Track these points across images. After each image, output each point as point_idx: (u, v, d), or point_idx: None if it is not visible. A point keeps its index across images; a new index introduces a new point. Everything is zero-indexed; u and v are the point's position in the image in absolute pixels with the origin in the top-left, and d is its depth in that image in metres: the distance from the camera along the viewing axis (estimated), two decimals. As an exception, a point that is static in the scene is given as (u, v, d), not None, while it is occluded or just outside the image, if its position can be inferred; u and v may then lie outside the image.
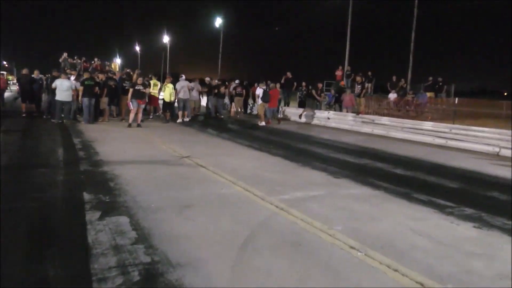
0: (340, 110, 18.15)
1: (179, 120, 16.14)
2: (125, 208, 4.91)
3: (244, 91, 19.96)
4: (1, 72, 25.16)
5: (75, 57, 24.75)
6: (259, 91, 16.80)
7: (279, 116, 19.52)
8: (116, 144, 9.96)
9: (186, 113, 16.72)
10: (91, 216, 4.56)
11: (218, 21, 45.59)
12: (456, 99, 17.81)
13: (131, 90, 13.75)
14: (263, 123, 16.47)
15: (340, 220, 4.81)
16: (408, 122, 14.28)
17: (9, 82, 28.66)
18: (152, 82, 15.98)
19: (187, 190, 5.87)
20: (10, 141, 9.77)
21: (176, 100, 16.51)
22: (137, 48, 75.01)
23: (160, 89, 17.28)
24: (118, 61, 55.72)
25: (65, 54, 23.87)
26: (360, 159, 9.36)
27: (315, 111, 18.64)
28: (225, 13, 47.47)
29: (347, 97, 17.33)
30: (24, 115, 15.33)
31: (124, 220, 4.47)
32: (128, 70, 21.53)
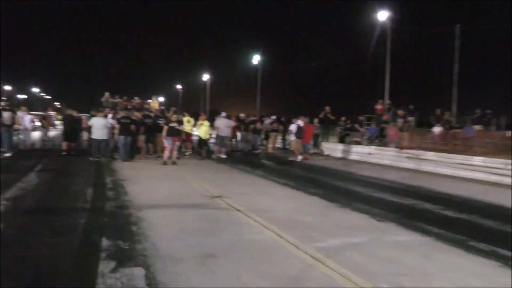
0: (384, 145, 17.34)
1: (214, 156, 16.01)
2: (143, 257, 4.45)
3: (280, 126, 19.60)
4: (50, 112, 26.47)
5: (116, 96, 25.40)
6: (292, 127, 16.38)
7: (316, 150, 18.96)
8: (147, 182, 9.68)
9: (223, 149, 16.63)
10: (105, 266, 4.12)
11: (256, 58, 46.22)
12: (511, 132, 16.63)
13: (165, 127, 13.67)
14: (300, 157, 16.02)
15: (385, 276, 4.12)
16: (457, 157, 13.27)
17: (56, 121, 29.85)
18: (185, 119, 15.89)
19: (213, 236, 5.36)
20: (43, 180, 9.72)
21: (215, 136, 16.58)
22: (179, 86, 77.27)
23: (193, 126, 17.23)
24: (160, 99, 57.50)
25: (107, 94, 24.54)
26: (406, 199, 8.57)
27: (356, 146, 17.94)
28: (263, 50, 48.08)
29: (391, 130, 16.52)
30: (64, 153, 15.57)
31: (139, 272, 4.00)
32: (162, 108, 21.78)
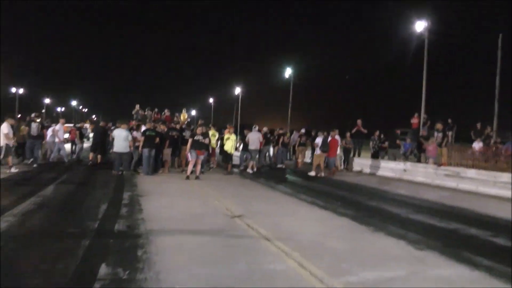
0: (420, 161, 16.28)
1: (249, 170, 15.70)
2: (142, 290, 3.87)
3: (308, 140, 18.81)
4: (83, 124, 26.99)
5: (147, 109, 25.30)
6: (318, 140, 15.65)
7: (346, 166, 18.11)
8: (166, 199, 9.15)
9: (254, 163, 16.19)
10: (95, 302, 3.56)
11: (288, 71, 45.75)
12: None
13: (190, 140, 13.20)
14: (313, 173, 15.40)
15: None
16: (501, 176, 12.13)
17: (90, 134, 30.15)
18: (210, 132, 15.40)
19: (227, 265, 4.70)
20: (58, 194, 9.36)
21: (247, 150, 16.33)
22: (211, 99, 77.69)
23: (218, 140, 16.74)
24: (192, 112, 57.56)
25: (137, 106, 24.48)
26: (447, 222, 7.65)
27: (390, 162, 16.96)
28: (296, 62, 47.59)
29: (430, 146, 15.47)
30: (90, 164, 15.40)
31: (132, 311, 3.42)
32: (188, 120, 21.43)
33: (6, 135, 12.72)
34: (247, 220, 7.05)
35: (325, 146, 15.45)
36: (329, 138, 15.94)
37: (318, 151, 15.56)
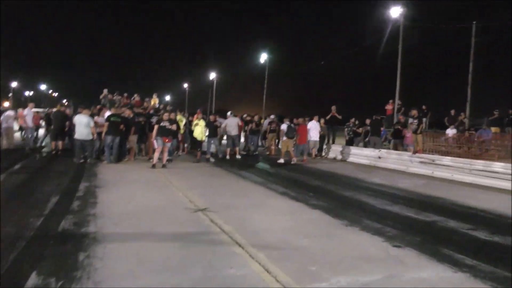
0: (396, 148, 15.95)
1: (238, 157, 15.85)
2: (73, 308, 3.23)
3: (278, 127, 18.13)
4: (45, 110, 25.56)
5: (115, 93, 24.08)
6: (283, 127, 15.18)
7: (320, 153, 17.69)
8: (126, 190, 8.43)
9: (237, 149, 16.04)
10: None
11: (263, 57, 44.99)
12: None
13: (156, 126, 12.43)
14: (281, 160, 14.97)
15: None
16: (477, 163, 11.89)
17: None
18: (177, 117, 14.59)
19: (180, 271, 4.08)
20: (7, 185, 8.54)
21: (226, 137, 15.98)
22: (185, 85, 76.07)
23: (185, 125, 15.94)
24: (167, 97, 55.88)
25: (105, 91, 23.26)
26: (425, 214, 7.23)
27: (365, 149, 16.63)
28: (271, 48, 46.72)
29: (409, 133, 15.14)
30: (54, 152, 14.42)
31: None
32: (157, 107, 20.46)
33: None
34: (211, 214, 6.45)
35: (290, 133, 14.98)
36: (297, 125, 15.57)
37: (284, 138, 15.13)
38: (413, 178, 12.19)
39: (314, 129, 16.13)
